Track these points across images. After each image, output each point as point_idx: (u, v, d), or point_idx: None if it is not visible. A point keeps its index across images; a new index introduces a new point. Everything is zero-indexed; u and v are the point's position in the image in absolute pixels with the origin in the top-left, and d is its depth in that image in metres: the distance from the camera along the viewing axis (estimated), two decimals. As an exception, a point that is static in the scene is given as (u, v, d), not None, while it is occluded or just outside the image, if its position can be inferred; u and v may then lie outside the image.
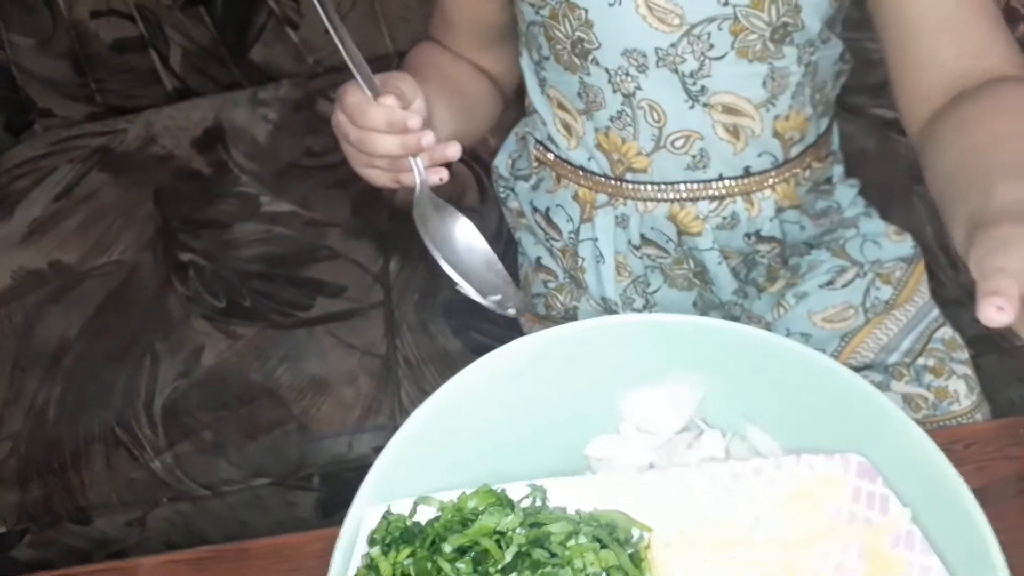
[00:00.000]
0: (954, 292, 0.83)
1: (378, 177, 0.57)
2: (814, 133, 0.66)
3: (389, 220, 1.01)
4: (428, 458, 0.49)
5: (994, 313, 0.39)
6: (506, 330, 0.89)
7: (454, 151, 0.55)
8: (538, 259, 0.77)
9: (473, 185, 1.02)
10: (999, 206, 0.45)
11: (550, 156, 0.73)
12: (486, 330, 0.90)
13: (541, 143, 0.74)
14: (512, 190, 0.80)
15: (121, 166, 1.16)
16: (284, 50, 1.24)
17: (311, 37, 1.23)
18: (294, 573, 0.58)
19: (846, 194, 0.74)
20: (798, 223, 0.68)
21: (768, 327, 0.71)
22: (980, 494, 0.46)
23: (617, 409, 0.54)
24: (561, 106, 0.69)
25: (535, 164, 0.75)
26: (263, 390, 0.88)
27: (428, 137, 0.53)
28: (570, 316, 0.75)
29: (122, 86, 1.26)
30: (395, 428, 0.85)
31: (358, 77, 0.54)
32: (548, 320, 0.77)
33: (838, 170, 0.74)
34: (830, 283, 0.70)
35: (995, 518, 0.43)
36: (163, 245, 1.03)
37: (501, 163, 0.82)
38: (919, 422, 0.64)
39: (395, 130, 0.53)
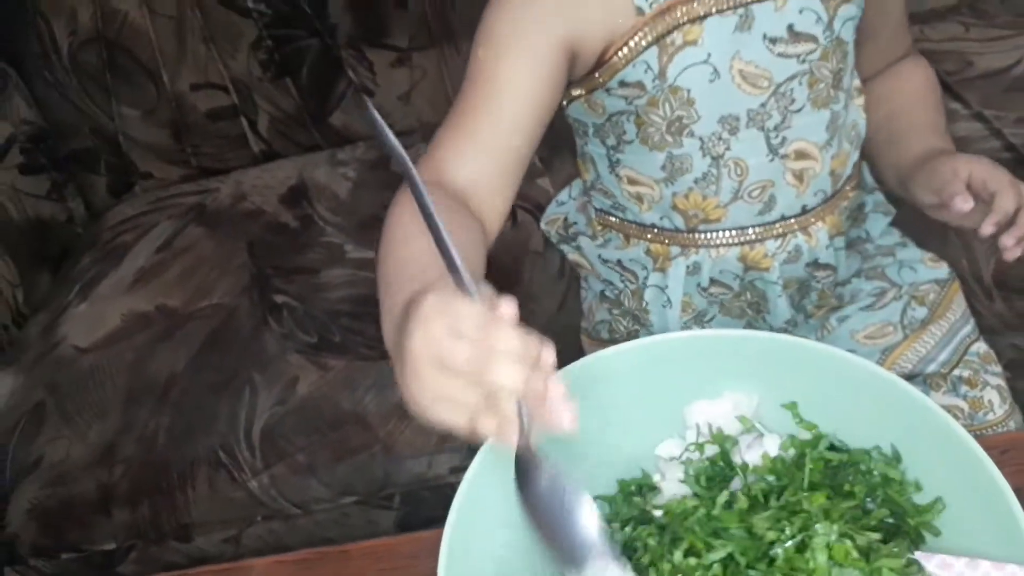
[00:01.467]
0: (990, 320, 0.89)
1: (452, 415, 0.41)
2: (852, 165, 0.74)
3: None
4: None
5: (960, 203, 0.61)
6: (569, 358, 0.96)
7: (571, 417, 0.41)
8: (602, 291, 0.84)
9: (537, 230, 1.11)
10: (925, 151, 0.69)
11: (614, 219, 0.76)
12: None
13: (603, 211, 0.76)
14: (571, 243, 0.83)
15: (215, 221, 1.28)
16: (361, 116, 1.36)
17: (386, 103, 1.35)
18: (389, 571, 0.63)
19: (878, 223, 0.80)
20: (844, 249, 0.75)
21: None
22: (1016, 495, 0.52)
23: (682, 416, 0.59)
24: (633, 181, 0.71)
25: (599, 227, 0.78)
26: (352, 416, 0.97)
27: (558, 387, 0.40)
28: (632, 338, 0.81)
29: (215, 150, 1.39)
30: (470, 449, 0.93)
31: (466, 279, 0.41)
32: (612, 344, 0.84)
33: (870, 200, 0.81)
34: (870, 306, 0.77)
35: None
36: (258, 290, 1.13)
37: (551, 230, 0.86)
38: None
39: (525, 360, 0.39)
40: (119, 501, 0.98)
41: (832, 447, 0.56)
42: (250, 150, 1.39)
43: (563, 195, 0.87)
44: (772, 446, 0.57)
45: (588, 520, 0.43)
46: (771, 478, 0.55)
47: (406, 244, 0.52)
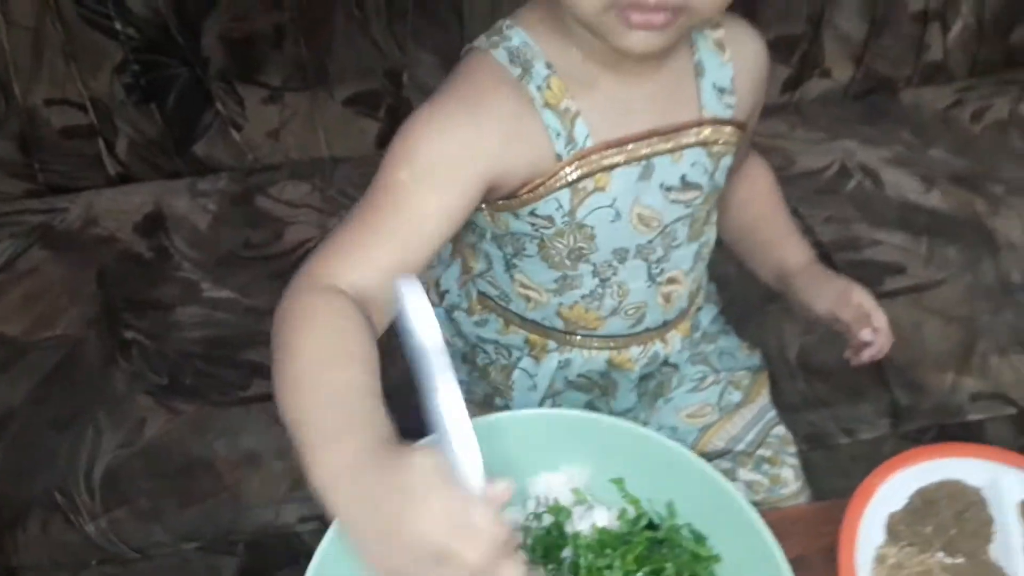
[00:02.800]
0: (792, 398, 1.02)
1: None
2: (703, 280, 0.84)
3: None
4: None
5: (867, 335, 0.76)
6: (423, 413, 1.01)
7: None
8: (464, 355, 0.87)
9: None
10: (800, 262, 0.84)
11: (495, 305, 0.80)
12: (407, 413, 1.02)
13: (486, 295, 0.80)
14: (444, 316, 0.85)
15: (63, 244, 1.24)
16: (226, 147, 1.36)
17: (252, 137, 1.36)
18: None
19: (708, 313, 0.91)
20: (688, 348, 0.85)
21: (644, 421, 0.86)
22: (799, 561, 0.60)
23: (525, 486, 0.65)
24: (525, 286, 0.76)
25: (479, 307, 0.82)
26: (200, 461, 0.97)
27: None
28: (488, 403, 0.86)
29: (66, 168, 1.34)
30: (320, 501, 0.96)
31: (477, 478, 0.44)
32: (468, 403, 0.88)
33: (707, 289, 0.92)
34: (694, 388, 0.86)
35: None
36: (107, 323, 1.11)
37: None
38: (757, 503, 0.81)
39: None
40: (-61, 541, 0.94)
41: (650, 524, 0.65)
42: (105, 171, 1.35)
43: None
44: (601, 517, 0.65)
45: None
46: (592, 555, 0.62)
47: (324, 377, 0.52)
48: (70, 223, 1.28)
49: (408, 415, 0.49)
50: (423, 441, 0.47)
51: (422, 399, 0.45)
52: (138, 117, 1.31)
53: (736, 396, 0.86)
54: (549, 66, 0.65)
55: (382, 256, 0.60)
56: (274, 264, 1.19)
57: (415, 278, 0.47)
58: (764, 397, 0.88)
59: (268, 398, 1.02)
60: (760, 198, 0.88)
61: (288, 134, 1.36)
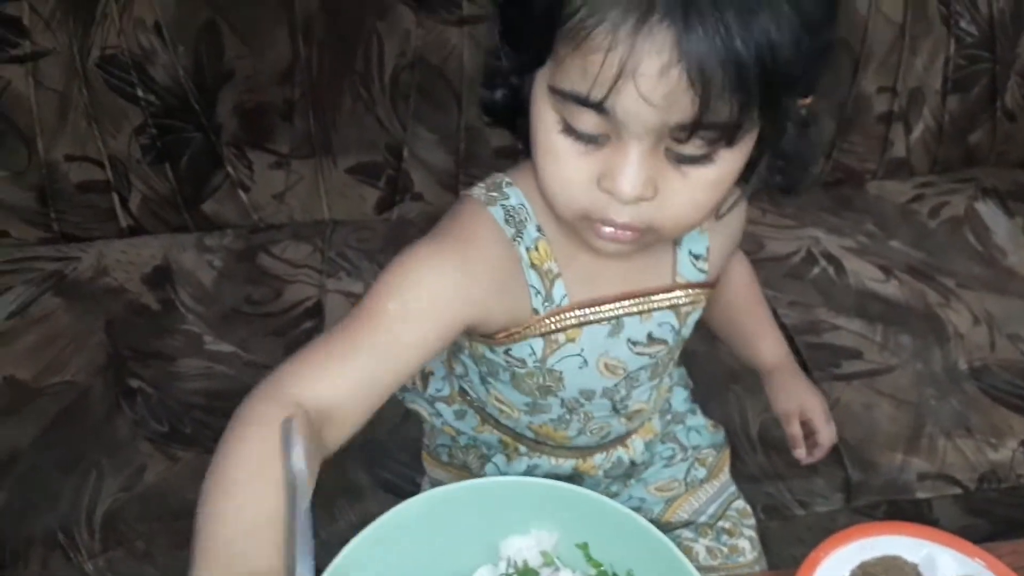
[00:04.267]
0: (752, 469, 1.09)
1: None
2: (665, 391, 0.89)
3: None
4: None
5: (799, 454, 0.90)
6: (408, 468, 1.07)
7: None
8: (443, 429, 0.92)
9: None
10: (772, 361, 0.94)
11: (475, 403, 0.84)
12: (391, 467, 1.08)
13: (466, 393, 0.84)
14: (421, 396, 0.89)
15: (74, 293, 1.31)
16: (233, 206, 1.44)
17: (259, 199, 1.44)
18: None
19: (679, 395, 0.97)
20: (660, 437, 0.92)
21: (616, 492, 0.92)
22: None
23: (497, 549, 0.69)
24: (500, 400, 0.80)
25: (459, 398, 0.86)
26: (196, 507, 1.02)
27: None
28: (467, 467, 0.90)
29: (80, 219, 1.42)
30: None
31: None
32: (449, 467, 0.93)
33: (677, 373, 0.99)
34: (664, 465, 0.92)
35: None
36: (114, 371, 1.17)
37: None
38: (715, 568, 0.87)
39: None
40: (-58, 574, 0.98)
41: None
42: (117, 224, 1.43)
43: None
44: (567, 581, 0.72)
45: None
46: None
47: (238, 488, 0.53)
48: (81, 272, 1.35)
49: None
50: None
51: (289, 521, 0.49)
52: (152, 175, 1.40)
53: (701, 472, 0.93)
54: (539, 229, 0.68)
55: (354, 372, 0.60)
56: (272, 322, 1.26)
57: (297, 424, 0.52)
58: (726, 473, 0.95)
59: (263, 450, 1.08)
60: (738, 295, 0.94)
61: (293, 197, 1.45)
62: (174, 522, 1.02)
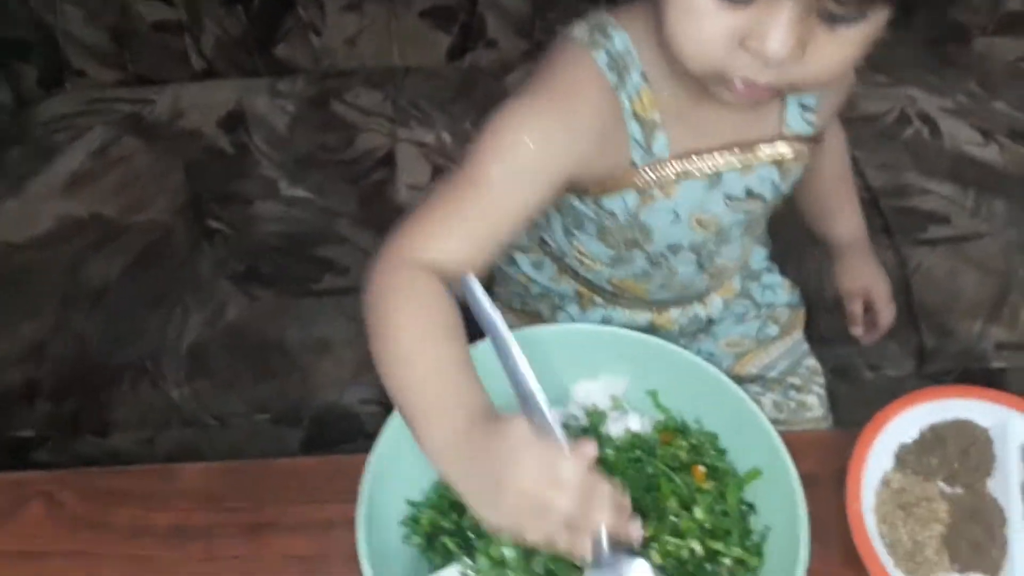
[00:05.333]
0: (824, 331, 1.07)
1: (533, 536, 0.49)
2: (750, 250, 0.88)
3: (390, 217, 1.20)
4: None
5: (854, 331, 0.88)
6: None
7: (638, 537, 0.52)
8: (518, 278, 0.92)
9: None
10: (848, 238, 0.92)
11: (552, 254, 0.83)
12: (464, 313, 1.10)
13: (546, 242, 0.83)
14: (508, 253, 0.88)
15: (152, 135, 1.33)
16: (304, 50, 1.42)
17: (330, 43, 1.42)
18: (308, 489, 0.72)
19: (758, 254, 0.95)
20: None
21: (684, 345, 0.92)
22: (811, 478, 0.64)
23: (568, 392, 0.72)
24: (582, 253, 0.78)
25: (538, 249, 0.85)
26: (274, 344, 1.07)
27: (636, 527, 0.51)
28: (539, 315, 0.91)
29: (154, 60, 1.42)
30: (381, 388, 1.05)
31: (552, 427, 0.50)
32: (521, 314, 0.93)
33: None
34: (736, 321, 0.91)
35: (815, 492, 0.62)
36: (194, 212, 1.20)
37: None
38: (781, 422, 0.88)
39: (614, 507, 0.49)
40: (43, 394, 1.05)
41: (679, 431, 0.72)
42: (190, 67, 1.42)
43: None
44: (635, 423, 0.71)
45: None
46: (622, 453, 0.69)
47: (424, 355, 0.56)
48: (158, 114, 1.36)
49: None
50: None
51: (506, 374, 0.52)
52: (224, 16, 1.38)
53: (774, 330, 0.92)
54: (643, 76, 0.65)
55: (466, 238, 0.62)
56: (345, 169, 1.26)
57: (475, 276, 0.55)
58: (799, 332, 0.94)
59: (338, 292, 1.11)
60: (826, 166, 0.89)
61: (364, 41, 1.41)
62: (254, 357, 1.06)
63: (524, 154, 0.62)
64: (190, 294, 1.10)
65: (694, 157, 0.69)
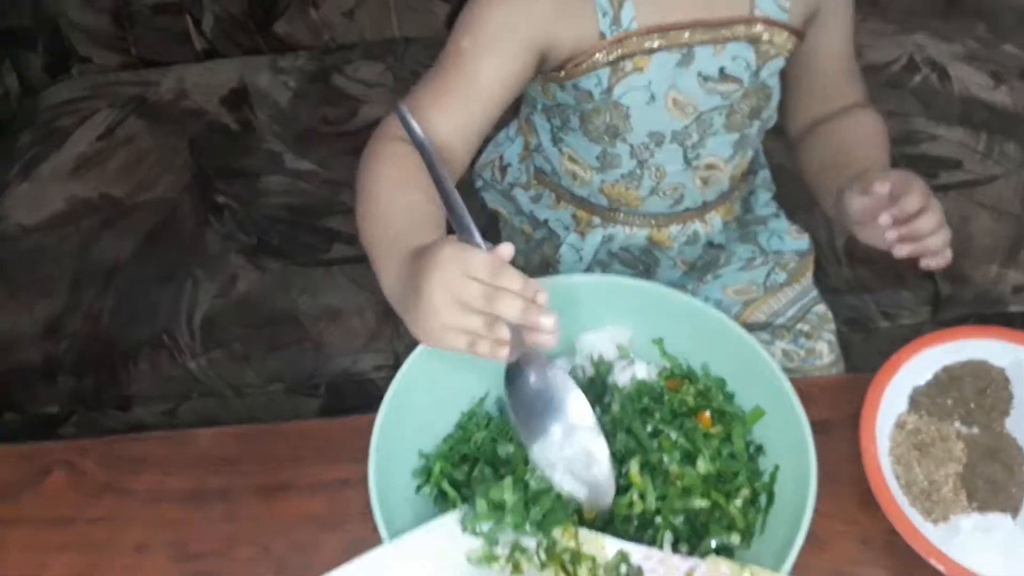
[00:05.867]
0: (835, 282, 1.07)
1: (456, 341, 0.52)
2: (748, 163, 0.88)
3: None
4: (436, 372, 0.65)
5: (878, 187, 0.65)
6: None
7: (553, 339, 0.53)
8: (520, 229, 0.96)
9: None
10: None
11: (549, 180, 0.87)
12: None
13: (541, 171, 0.87)
14: (498, 189, 0.92)
15: (157, 116, 1.33)
16: (304, 26, 1.42)
17: (328, 17, 1.41)
18: (321, 449, 0.73)
19: (762, 198, 0.95)
20: (735, 229, 0.90)
21: (691, 292, 0.92)
22: (823, 424, 0.65)
23: (573, 343, 0.72)
24: (572, 160, 0.82)
25: (535, 182, 0.89)
26: (286, 314, 1.08)
27: (549, 318, 0.52)
28: (542, 272, 0.93)
29: (156, 42, 1.42)
30: (393, 352, 1.06)
31: (475, 235, 0.53)
32: (525, 270, 0.94)
33: (761, 175, 0.96)
34: (742, 268, 0.91)
35: (829, 437, 0.63)
36: (200, 189, 1.20)
37: (482, 174, 0.95)
38: (791, 370, 0.87)
39: (525, 297, 0.51)
40: (64, 370, 1.07)
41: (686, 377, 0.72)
42: (192, 47, 1.43)
43: (500, 135, 0.96)
44: (641, 371, 0.71)
45: (573, 405, 0.57)
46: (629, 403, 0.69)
47: (393, 203, 0.62)
48: (162, 96, 1.37)
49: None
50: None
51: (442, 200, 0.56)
52: (224, -4, 1.37)
53: (781, 276, 0.91)
54: None
55: (447, 115, 0.67)
56: (350, 141, 1.26)
57: (407, 107, 0.59)
58: (808, 279, 0.93)
59: (348, 261, 1.12)
60: (852, 133, 0.81)
61: (363, 13, 1.41)
62: (266, 327, 1.07)
63: (488, 24, 0.68)
64: (200, 268, 1.11)
65: (664, 33, 0.71)
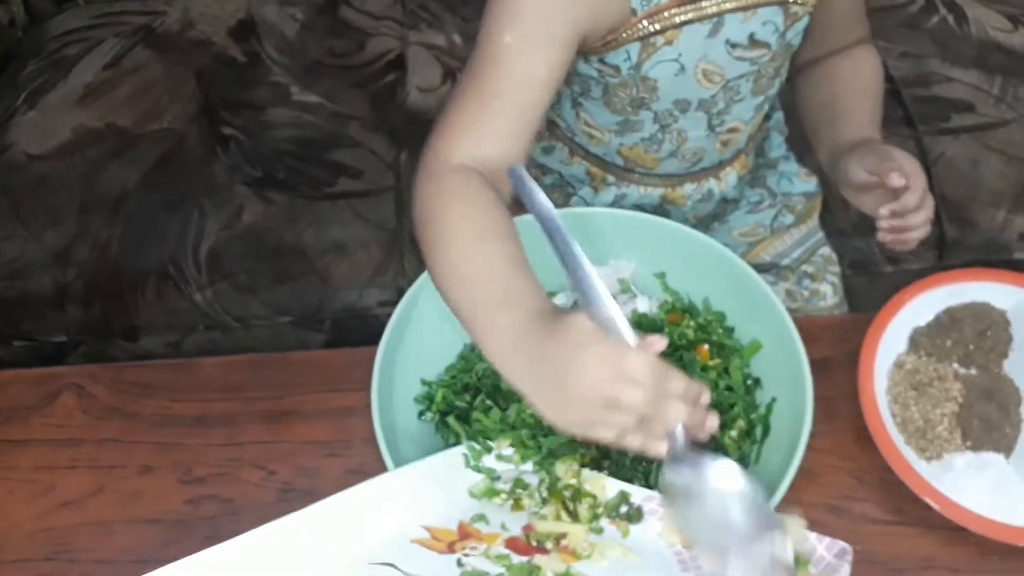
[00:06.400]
0: (842, 224, 1.06)
1: (604, 434, 0.49)
2: (763, 118, 0.86)
3: (401, 119, 1.20)
4: (439, 303, 0.62)
5: (895, 179, 0.67)
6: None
7: (714, 423, 0.51)
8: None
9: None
10: (861, 139, 0.76)
11: (563, 135, 0.83)
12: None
13: (555, 123, 0.83)
14: None
15: (164, 45, 1.32)
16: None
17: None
18: (325, 379, 0.74)
19: (776, 139, 0.94)
20: (748, 181, 0.89)
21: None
22: (823, 362, 0.66)
23: None
24: (589, 124, 0.79)
25: (547, 134, 0.85)
26: (292, 247, 1.08)
27: (714, 419, 0.50)
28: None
29: (162, -31, 1.40)
30: (398, 288, 1.07)
31: (622, 327, 0.49)
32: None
33: (775, 117, 0.94)
34: (750, 210, 0.91)
35: (828, 376, 0.64)
36: (207, 119, 1.20)
37: None
38: (794, 310, 0.88)
39: (689, 400, 0.48)
40: (73, 299, 1.08)
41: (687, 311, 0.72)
42: (198, -26, 1.40)
43: None
44: (643, 305, 0.73)
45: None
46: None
47: (489, 256, 0.56)
48: (169, 26, 1.35)
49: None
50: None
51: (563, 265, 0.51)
52: (229, -79, 1.35)
53: (789, 219, 0.91)
54: None
55: (500, 126, 0.61)
56: (356, 73, 1.25)
57: (521, 164, 0.53)
58: (814, 220, 0.93)
59: (353, 195, 1.12)
60: (849, 80, 0.83)
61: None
62: (272, 259, 1.08)
63: (534, 14, 0.62)
64: (207, 199, 1.11)
65: (696, 3, 0.68)
